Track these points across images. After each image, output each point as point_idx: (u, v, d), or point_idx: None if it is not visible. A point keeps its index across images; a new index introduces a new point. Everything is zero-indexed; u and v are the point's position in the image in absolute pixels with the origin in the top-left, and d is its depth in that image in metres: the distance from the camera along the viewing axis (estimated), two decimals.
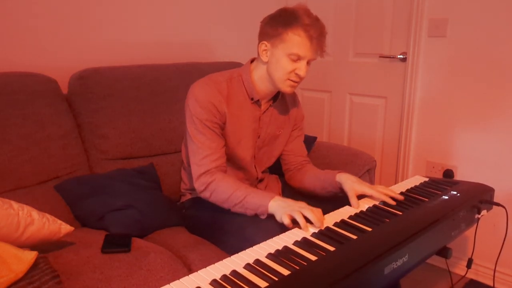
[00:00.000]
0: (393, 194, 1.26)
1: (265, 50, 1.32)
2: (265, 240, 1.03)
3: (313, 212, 1.11)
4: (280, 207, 1.18)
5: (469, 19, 1.88)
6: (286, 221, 1.12)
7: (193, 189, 1.46)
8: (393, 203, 1.23)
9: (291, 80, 1.31)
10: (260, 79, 1.38)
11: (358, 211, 1.20)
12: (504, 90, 1.84)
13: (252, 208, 1.25)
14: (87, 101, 1.61)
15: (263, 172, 1.56)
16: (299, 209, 1.12)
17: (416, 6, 2.02)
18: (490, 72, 1.87)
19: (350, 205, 1.26)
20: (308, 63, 1.30)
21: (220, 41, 2.33)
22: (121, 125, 1.64)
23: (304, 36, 1.25)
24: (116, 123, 1.63)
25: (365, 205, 1.25)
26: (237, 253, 0.97)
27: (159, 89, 1.75)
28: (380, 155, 2.36)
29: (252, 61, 1.43)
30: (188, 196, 1.53)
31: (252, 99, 1.39)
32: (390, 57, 2.21)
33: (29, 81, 1.50)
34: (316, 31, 1.26)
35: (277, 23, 1.28)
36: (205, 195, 1.33)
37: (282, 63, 1.29)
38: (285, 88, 1.34)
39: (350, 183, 1.30)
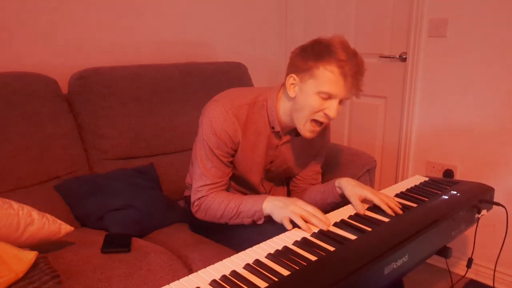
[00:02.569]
0: (392, 205, 1.18)
1: (293, 84, 1.21)
2: (266, 234, 1.02)
3: (317, 218, 1.09)
4: (276, 207, 1.15)
5: (469, 19, 1.88)
6: (289, 226, 1.09)
7: None
8: (392, 213, 1.16)
9: (315, 121, 1.21)
10: (284, 113, 1.27)
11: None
12: (504, 90, 1.84)
13: (247, 216, 1.22)
14: (87, 101, 1.61)
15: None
16: (300, 211, 1.10)
17: (416, 6, 2.02)
18: (489, 72, 1.86)
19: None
20: (340, 102, 1.19)
21: (220, 41, 2.33)
22: (121, 125, 1.64)
23: (338, 73, 1.14)
24: (116, 123, 1.63)
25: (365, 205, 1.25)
26: (241, 248, 0.97)
27: (159, 89, 1.75)
28: (380, 155, 2.36)
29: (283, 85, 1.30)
30: None
31: (272, 128, 1.30)
32: (390, 57, 2.21)
33: (29, 81, 1.50)
34: (352, 68, 1.15)
35: (308, 56, 1.17)
36: (200, 215, 1.30)
37: (310, 100, 1.17)
38: (305, 132, 1.23)
39: (351, 188, 1.23)
